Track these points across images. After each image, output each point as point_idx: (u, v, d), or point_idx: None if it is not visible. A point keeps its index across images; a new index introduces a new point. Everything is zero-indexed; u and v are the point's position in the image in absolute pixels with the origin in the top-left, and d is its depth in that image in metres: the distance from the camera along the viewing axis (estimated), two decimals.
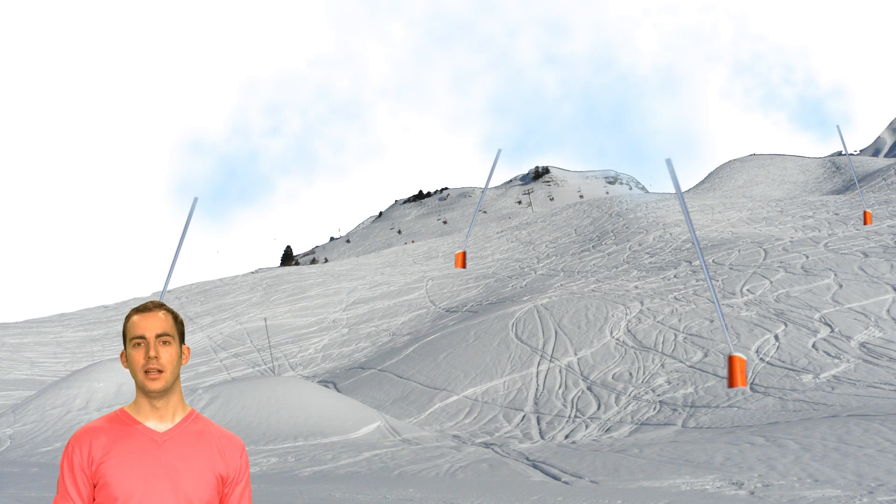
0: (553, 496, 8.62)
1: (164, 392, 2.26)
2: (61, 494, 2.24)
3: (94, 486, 2.25)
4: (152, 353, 2.21)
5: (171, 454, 2.26)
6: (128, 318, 2.28)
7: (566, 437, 15.79)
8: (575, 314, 25.14)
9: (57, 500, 2.27)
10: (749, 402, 15.77)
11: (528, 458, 12.07)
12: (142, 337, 2.23)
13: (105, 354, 35.45)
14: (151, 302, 2.32)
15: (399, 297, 41.21)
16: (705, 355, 19.53)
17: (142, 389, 2.27)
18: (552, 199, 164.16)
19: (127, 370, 2.26)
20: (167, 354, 2.24)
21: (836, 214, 38.74)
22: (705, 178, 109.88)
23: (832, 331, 19.59)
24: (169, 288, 17.99)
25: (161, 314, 2.26)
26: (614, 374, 19.73)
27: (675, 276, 29.11)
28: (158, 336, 2.24)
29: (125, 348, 2.27)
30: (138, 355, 2.23)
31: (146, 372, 2.23)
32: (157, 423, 2.29)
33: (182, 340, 2.32)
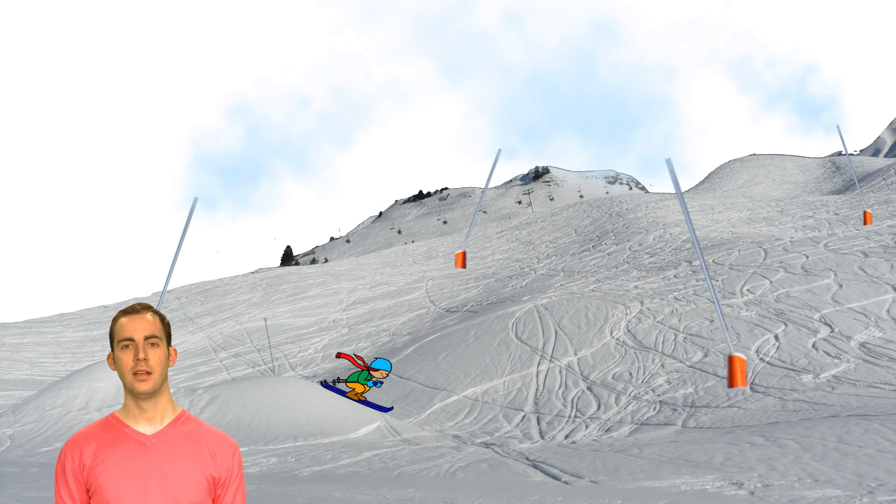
0: (553, 496, 8.62)
1: (153, 394, 2.26)
2: (58, 500, 2.27)
3: (88, 492, 2.26)
4: (141, 356, 2.22)
5: (160, 456, 2.26)
6: (115, 319, 2.29)
7: (566, 437, 15.79)
8: (575, 314, 25.13)
9: (56, 496, 2.29)
10: (749, 402, 15.77)
11: (528, 458, 12.06)
12: (130, 339, 2.24)
13: (105, 354, 35.47)
14: (139, 304, 2.32)
15: (399, 297, 41.20)
16: (705, 355, 19.52)
17: (130, 391, 2.27)
18: (552, 199, 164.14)
19: (115, 372, 2.30)
20: (155, 356, 2.25)
21: (836, 214, 38.73)
22: (705, 178, 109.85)
23: (832, 331, 19.59)
24: (169, 288, 18.00)
25: (149, 316, 2.27)
26: (614, 374, 19.72)
27: (675, 276, 29.10)
28: (147, 338, 2.24)
29: (112, 350, 2.28)
30: (127, 357, 2.24)
31: (135, 374, 2.23)
32: (147, 425, 2.29)
33: (169, 342, 2.32)
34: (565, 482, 9.97)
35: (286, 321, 38.92)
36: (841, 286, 22.99)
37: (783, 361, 18.08)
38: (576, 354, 21.65)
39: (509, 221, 70.49)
